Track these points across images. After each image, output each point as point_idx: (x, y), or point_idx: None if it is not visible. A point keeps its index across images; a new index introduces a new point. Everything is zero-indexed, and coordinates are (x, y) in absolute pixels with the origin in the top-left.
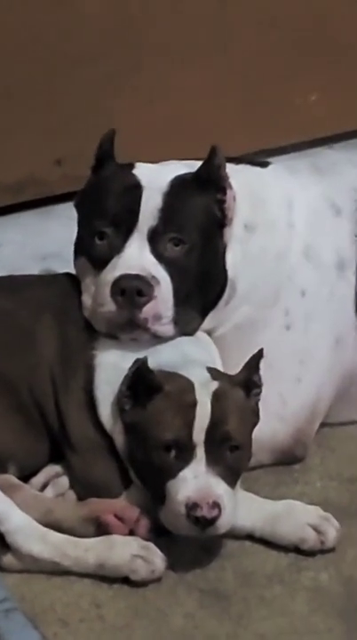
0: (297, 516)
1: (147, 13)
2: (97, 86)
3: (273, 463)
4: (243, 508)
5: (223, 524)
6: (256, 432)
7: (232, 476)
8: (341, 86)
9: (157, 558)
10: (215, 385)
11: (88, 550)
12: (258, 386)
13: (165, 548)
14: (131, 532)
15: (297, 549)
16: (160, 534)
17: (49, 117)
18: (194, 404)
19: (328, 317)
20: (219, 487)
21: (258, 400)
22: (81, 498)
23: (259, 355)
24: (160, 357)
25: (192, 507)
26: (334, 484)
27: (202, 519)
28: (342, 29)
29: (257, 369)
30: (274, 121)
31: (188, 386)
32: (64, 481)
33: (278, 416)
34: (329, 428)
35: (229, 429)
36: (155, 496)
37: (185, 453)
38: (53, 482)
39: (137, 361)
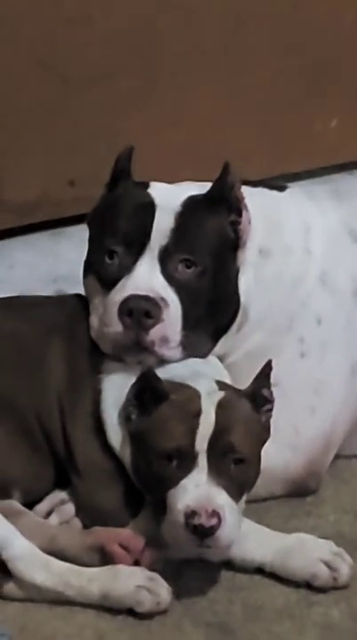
0: (308, 551)
1: (163, 35)
2: (111, 108)
3: (285, 494)
4: (253, 541)
5: (223, 536)
6: (267, 462)
7: (235, 490)
8: None
9: (163, 590)
10: (220, 395)
11: (92, 580)
12: (269, 401)
13: (171, 579)
14: (137, 563)
15: (307, 584)
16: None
17: (62, 138)
18: (198, 413)
19: (344, 346)
20: (221, 497)
21: (270, 416)
22: (86, 526)
23: (268, 367)
24: (169, 371)
25: (190, 515)
26: (347, 518)
27: (200, 527)
28: None
29: (267, 383)
30: (293, 146)
31: (195, 395)
32: (69, 508)
33: (291, 446)
34: (343, 459)
35: (233, 440)
36: (158, 507)
37: (187, 462)
38: (58, 509)
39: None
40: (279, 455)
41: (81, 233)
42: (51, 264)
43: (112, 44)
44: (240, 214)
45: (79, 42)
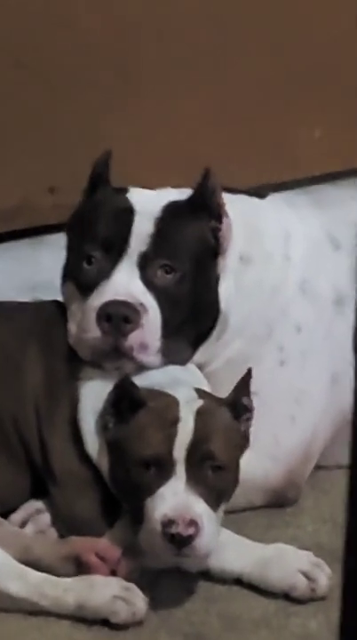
0: (287, 562)
1: (145, 40)
2: (92, 114)
3: (264, 504)
4: (232, 551)
5: (201, 545)
6: (247, 471)
7: (214, 498)
8: (346, 122)
9: (139, 600)
10: (200, 403)
11: (67, 590)
12: (249, 410)
13: (148, 589)
14: (113, 573)
15: (286, 595)
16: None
17: (43, 144)
18: (176, 421)
19: (324, 355)
20: (199, 506)
21: (250, 425)
22: (62, 535)
23: (248, 376)
24: (147, 379)
25: (167, 523)
26: (327, 528)
27: (177, 536)
28: (348, 64)
29: (246, 391)
30: (276, 155)
31: (173, 403)
32: (45, 518)
33: (270, 455)
34: (322, 470)
35: (212, 448)
36: (135, 516)
37: (164, 470)
38: (34, 518)
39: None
40: (259, 464)
41: (61, 241)
42: (31, 272)
43: (94, 48)
44: (220, 220)
45: (60, 46)
